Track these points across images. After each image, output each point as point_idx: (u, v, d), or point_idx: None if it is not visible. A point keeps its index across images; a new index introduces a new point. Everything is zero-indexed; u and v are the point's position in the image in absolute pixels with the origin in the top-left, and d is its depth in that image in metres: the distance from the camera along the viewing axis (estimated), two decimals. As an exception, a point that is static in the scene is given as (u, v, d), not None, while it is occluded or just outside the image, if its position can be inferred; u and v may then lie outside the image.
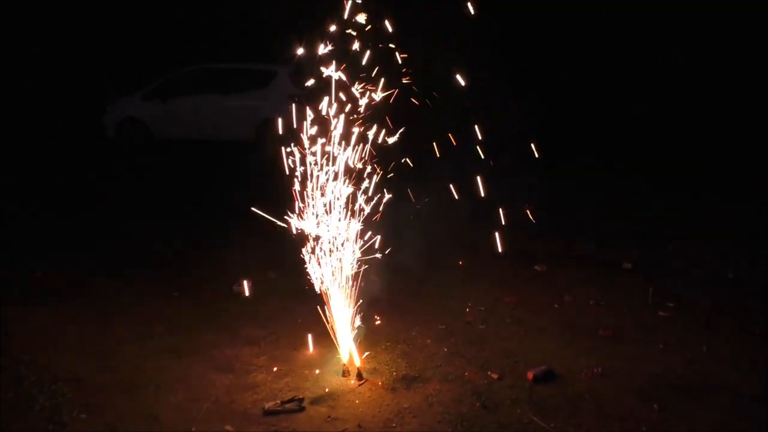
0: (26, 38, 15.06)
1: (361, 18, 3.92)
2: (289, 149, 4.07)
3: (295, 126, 4.15)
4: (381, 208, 4.26)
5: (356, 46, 4.04)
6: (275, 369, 4.25)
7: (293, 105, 4.46)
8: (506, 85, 8.96)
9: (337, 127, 4.00)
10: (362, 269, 4.31)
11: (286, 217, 4.12)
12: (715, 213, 7.61)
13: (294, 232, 4.12)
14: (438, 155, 4.89)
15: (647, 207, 7.99)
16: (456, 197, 4.31)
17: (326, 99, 4.01)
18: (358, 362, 4.19)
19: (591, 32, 12.25)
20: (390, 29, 4.06)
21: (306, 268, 4.18)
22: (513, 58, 11.28)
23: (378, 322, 4.80)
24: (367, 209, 4.18)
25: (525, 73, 11.23)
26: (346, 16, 3.95)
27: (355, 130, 4.04)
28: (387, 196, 4.25)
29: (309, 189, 4.09)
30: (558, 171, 8.91)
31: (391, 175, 4.34)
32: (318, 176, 4.07)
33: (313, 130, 3.99)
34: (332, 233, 4.09)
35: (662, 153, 10.04)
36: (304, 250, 4.15)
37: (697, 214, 7.63)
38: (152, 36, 15.52)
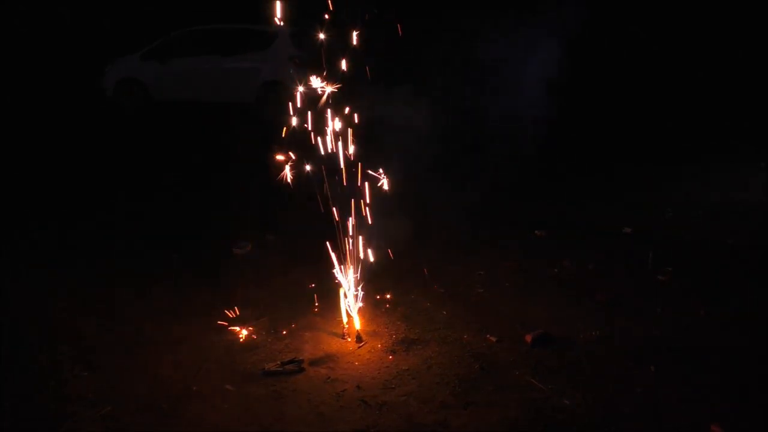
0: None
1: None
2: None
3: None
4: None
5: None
6: (274, 330, 4.27)
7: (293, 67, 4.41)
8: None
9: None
10: (363, 233, 4.30)
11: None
12: (714, 181, 7.60)
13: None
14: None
15: (646, 174, 7.96)
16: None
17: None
18: (357, 325, 4.21)
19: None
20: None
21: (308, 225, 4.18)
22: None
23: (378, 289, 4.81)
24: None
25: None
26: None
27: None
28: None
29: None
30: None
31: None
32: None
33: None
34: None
35: (664, 123, 9.98)
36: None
37: (696, 182, 7.61)
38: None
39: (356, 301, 4.27)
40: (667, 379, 3.70)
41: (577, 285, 4.94)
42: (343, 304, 4.24)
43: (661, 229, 6.03)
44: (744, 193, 7.11)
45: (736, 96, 10.28)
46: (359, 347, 4.06)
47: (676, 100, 10.57)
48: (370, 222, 4.24)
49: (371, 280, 4.64)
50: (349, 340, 4.13)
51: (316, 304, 4.56)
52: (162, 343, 4.10)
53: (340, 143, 4.09)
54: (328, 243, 4.24)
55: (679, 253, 5.44)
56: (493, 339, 4.13)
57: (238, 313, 4.48)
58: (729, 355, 3.92)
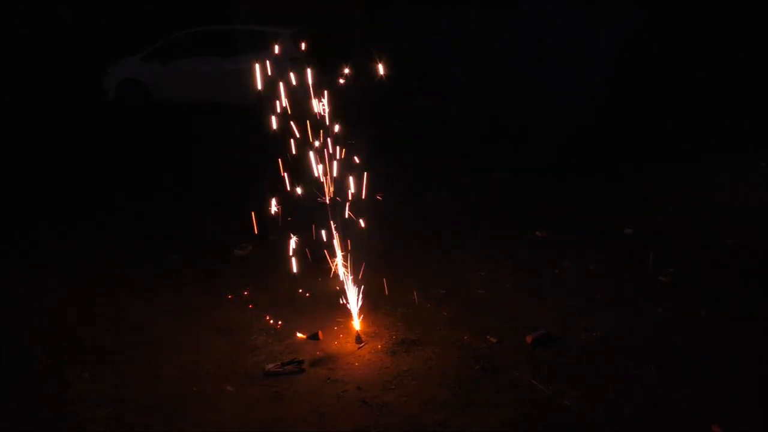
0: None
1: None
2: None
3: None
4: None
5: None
6: (275, 331, 4.27)
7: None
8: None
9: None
10: (363, 234, 4.31)
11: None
12: (714, 181, 7.59)
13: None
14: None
15: (646, 174, 7.95)
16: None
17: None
18: (357, 326, 4.21)
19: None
20: None
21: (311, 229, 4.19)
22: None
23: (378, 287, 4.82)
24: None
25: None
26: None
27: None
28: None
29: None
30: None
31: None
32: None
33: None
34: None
35: (664, 123, 9.97)
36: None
37: (696, 182, 7.60)
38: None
39: (356, 302, 4.27)
40: (668, 379, 3.70)
41: (578, 285, 4.94)
42: (344, 305, 4.25)
43: (661, 229, 6.02)
44: (744, 193, 7.11)
45: (736, 96, 10.27)
46: (359, 348, 4.06)
47: (676, 99, 10.55)
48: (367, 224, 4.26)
49: (371, 280, 4.65)
50: (350, 341, 4.14)
51: (317, 305, 4.56)
52: (163, 344, 4.11)
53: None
54: (327, 244, 4.25)
55: (679, 253, 5.44)
56: (494, 339, 4.13)
57: (238, 314, 4.49)
58: (729, 355, 3.92)
